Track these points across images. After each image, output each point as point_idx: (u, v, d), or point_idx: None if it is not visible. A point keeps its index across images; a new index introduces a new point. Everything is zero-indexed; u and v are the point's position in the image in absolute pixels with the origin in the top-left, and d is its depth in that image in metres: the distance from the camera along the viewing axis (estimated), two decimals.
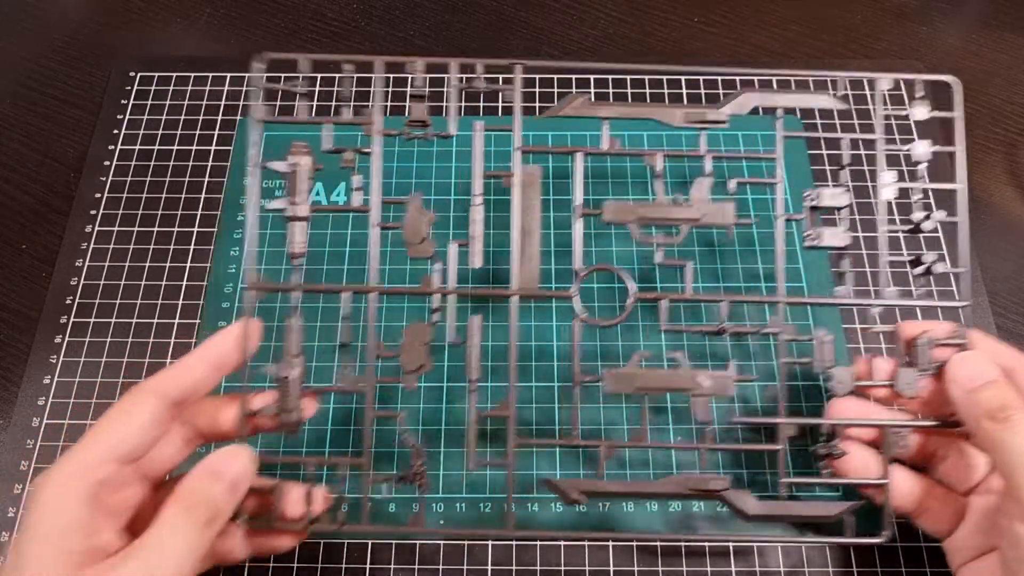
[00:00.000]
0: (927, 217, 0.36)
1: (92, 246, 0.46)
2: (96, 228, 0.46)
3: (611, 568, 0.37)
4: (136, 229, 0.46)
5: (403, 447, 0.37)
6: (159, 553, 0.28)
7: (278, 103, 0.51)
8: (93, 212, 0.47)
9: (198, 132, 0.49)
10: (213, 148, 0.49)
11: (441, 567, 0.37)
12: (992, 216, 0.47)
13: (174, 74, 0.52)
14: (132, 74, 0.52)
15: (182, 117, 0.50)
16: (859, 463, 0.35)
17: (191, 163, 0.48)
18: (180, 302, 0.44)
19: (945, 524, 0.34)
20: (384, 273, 0.44)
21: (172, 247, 0.45)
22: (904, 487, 0.35)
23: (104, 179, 0.48)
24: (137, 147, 0.49)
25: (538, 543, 0.38)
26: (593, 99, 0.51)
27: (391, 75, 0.52)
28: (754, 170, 0.47)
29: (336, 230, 0.46)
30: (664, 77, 0.51)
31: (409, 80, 0.51)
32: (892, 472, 0.35)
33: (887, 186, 0.35)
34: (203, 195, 0.47)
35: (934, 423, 0.35)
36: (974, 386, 0.32)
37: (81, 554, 0.28)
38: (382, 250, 0.45)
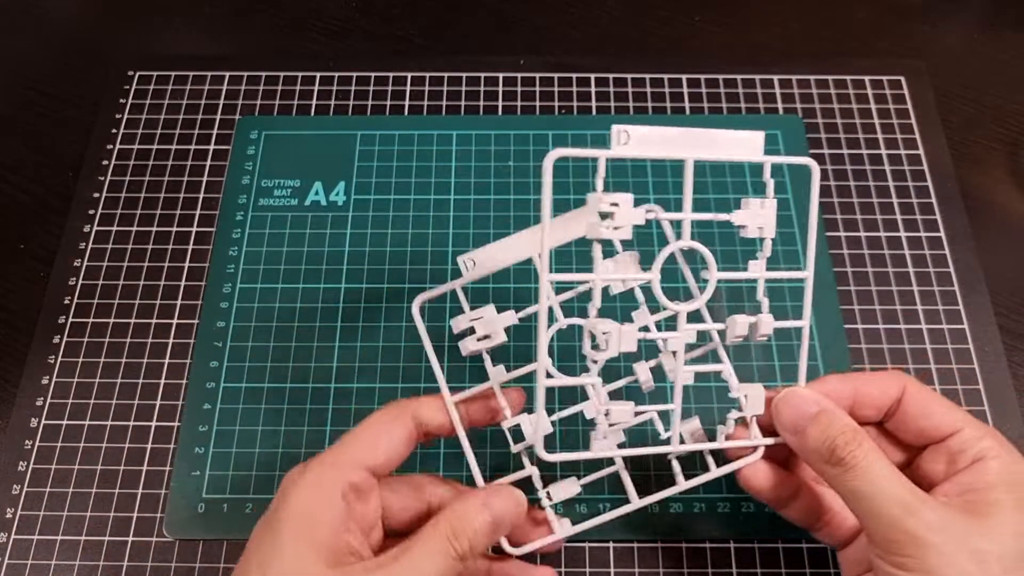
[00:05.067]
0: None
1: (91, 246, 0.45)
2: (95, 228, 0.46)
3: (611, 569, 0.37)
4: (135, 229, 0.46)
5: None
6: (409, 571, 0.28)
7: (277, 102, 0.50)
8: (92, 212, 0.46)
9: (197, 131, 0.49)
10: (212, 147, 0.49)
11: None
12: (993, 216, 0.47)
13: (172, 73, 0.51)
14: (130, 73, 0.52)
15: (181, 116, 0.50)
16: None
17: (190, 162, 0.48)
18: (179, 302, 0.44)
19: (841, 536, 0.33)
20: (384, 273, 0.44)
21: (171, 247, 0.45)
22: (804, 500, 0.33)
23: (103, 179, 0.48)
24: (135, 147, 0.49)
25: None
26: (594, 98, 0.51)
27: (391, 73, 0.52)
28: (755, 170, 0.47)
29: (336, 230, 0.45)
30: (665, 76, 0.51)
31: (408, 79, 0.51)
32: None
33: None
34: (201, 195, 0.47)
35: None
36: (801, 427, 0.30)
37: (334, 551, 0.28)
38: (390, 250, 0.45)
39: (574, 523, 0.33)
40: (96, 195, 0.47)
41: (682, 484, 0.33)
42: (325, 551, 0.27)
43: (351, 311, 0.43)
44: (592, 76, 0.51)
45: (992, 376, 0.42)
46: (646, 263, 0.32)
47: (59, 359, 0.42)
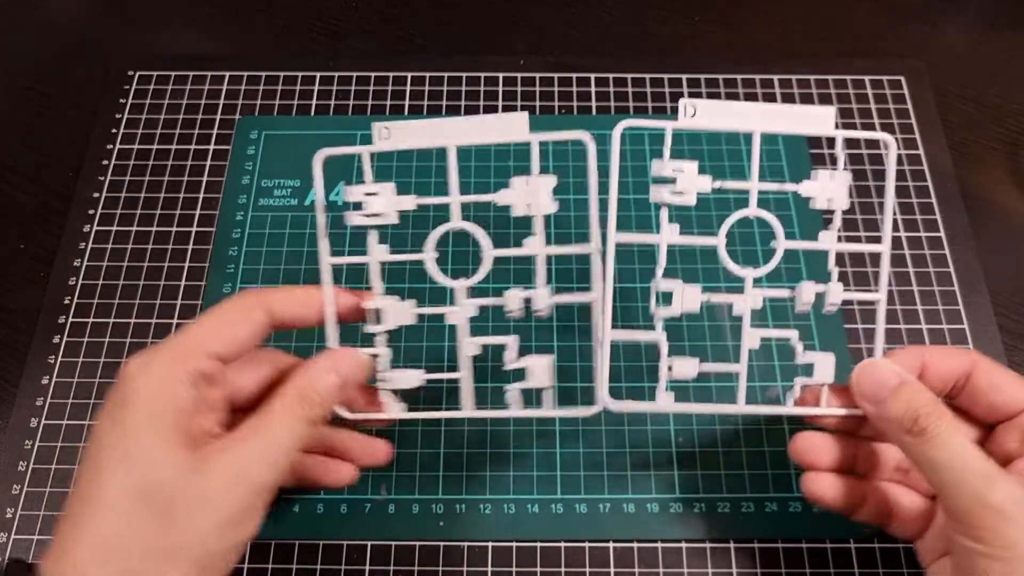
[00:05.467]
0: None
1: (90, 246, 0.45)
2: (94, 228, 0.46)
3: (612, 569, 0.37)
4: (134, 229, 0.46)
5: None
6: (267, 441, 0.28)
7: (277, 102, 0.50)
8: (91, 212, 0.46)
9: (197, 131, 0.49)
10: (212, 147, 0.49)
11: (441, 568, 0.37)
12: (993, 216, 0.47)
13: (172, 73, 0.51)
14: (130, 73, 0.52)
15: (181, 116, 0.50)
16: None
17: (189, 162, 0.48)
18: (178, 302, 0.44)
19: (914, 528, 0.33)
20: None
21: (170, 247, 0.45)
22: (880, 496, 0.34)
23: (102, 178, 0.48)
24: (135, 146, 0.49)
25: (538, 544, 0.38)
26: (594, 98, 0.51)
27: (391, 73, 0.52)
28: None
29: (335, 230, 0.45)
30: (665, 76, 0.51)
31: (408, 79, 0.51)
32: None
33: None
34: (201, 195, 0.47)
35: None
36: (881, 398, 0.30)
37: (190, 435, 0.28)
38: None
39: (414, 411, 0.34)
40: (96, 195, 0.47)
41: (515, 412, 0.33)
42: (181, 436, 0.27)
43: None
44: (592, 76, 0.51)
45: None
46: (705, 227, 0.33)
47: (59, 359, 0.42)
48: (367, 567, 0.37)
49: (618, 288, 0.41)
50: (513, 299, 0.33)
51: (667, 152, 0.32)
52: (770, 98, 0.50)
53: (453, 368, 0.33)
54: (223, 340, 0.29)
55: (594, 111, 0.50)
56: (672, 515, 0.38)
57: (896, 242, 0.45)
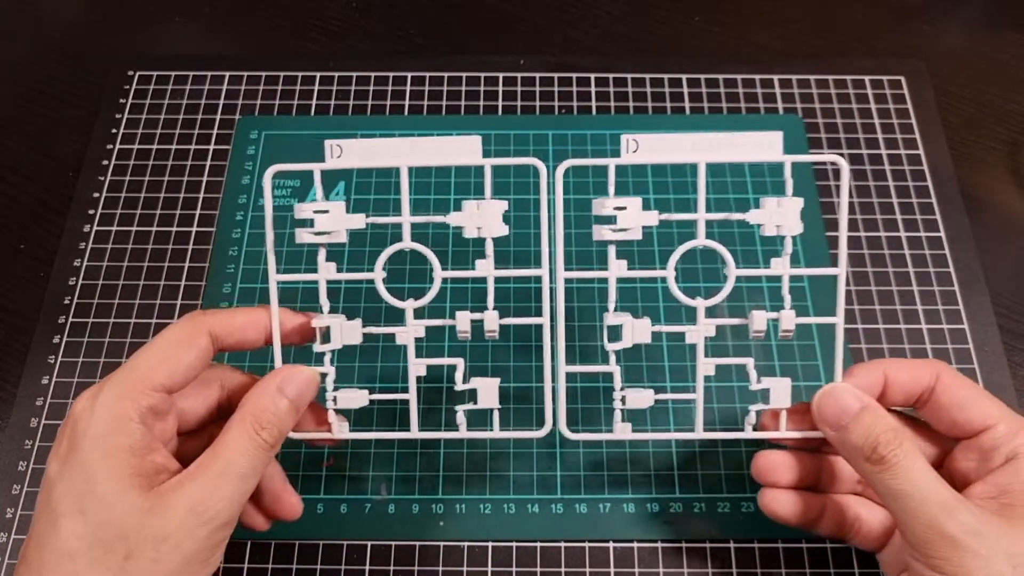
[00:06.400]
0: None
1: (90, 246, 0.45)
2: (94, 228, 0.46)
3: (612, 569, 0.37)
4: (134, 229, 0.46)
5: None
6: (223, 474, 0.28)
7: (277, 102, 0.50)
8: (91, 212, 0.46)
9: (196, 131, 0.49)
10: (212, 147, 0.49)
11: (441, 568, 0.37)
12: (994, 216, 0.47)
13: (172, 73, 0.51)
14: (130, 73, 0.52)
15: (181, 116, 0.50)
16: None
17: (189, 162, 0.48)
18: (178, 302, 0.44)
19: (875, 542, 0.33)
20: None
21: (170, 247, 0.45)
22: (841, 508, 0.34)
23: (102, 179, 0.48)
24: (135, 146, 0.49)
25: (538, 544, 0.38)
26: (594, 98, 0.51)
27: (391, 73, 0.52)
28: (755, 170, 0.47)
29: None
30: (665, 76, 0.51)
31: (408, 79, 0.51)
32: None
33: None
34: (201, 194, 0.47)
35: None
36: (842, 424, 0.30)
37: (145, 475, 0.27)
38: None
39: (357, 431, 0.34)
40: (96, 195, 0.47)
41: (464, 433, 0.34)
42: (135, 476, 0.27)
43: (350, 311, 0.43)
44: (592, 76, 0.51)
45: (992, 376, 0.42)
46: (663, 263, 0.33)
47: (59, 359, 0.42)
48: (367, 567, 0.37)
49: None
50: (463, 320, 0.32)
51: (611, 189, 0.32)
52: (770, 98, 0.50)
53: (403, 389, 0.33)
54: (168, 371, 0.29)
55: (594, 111, 0.50)
56: (672, 515, 0.38)
57: (896, 242, 0.45)
